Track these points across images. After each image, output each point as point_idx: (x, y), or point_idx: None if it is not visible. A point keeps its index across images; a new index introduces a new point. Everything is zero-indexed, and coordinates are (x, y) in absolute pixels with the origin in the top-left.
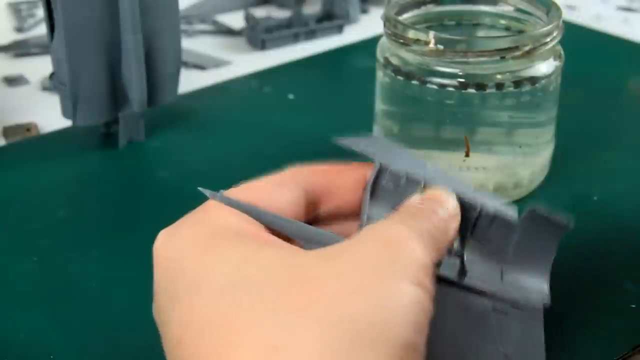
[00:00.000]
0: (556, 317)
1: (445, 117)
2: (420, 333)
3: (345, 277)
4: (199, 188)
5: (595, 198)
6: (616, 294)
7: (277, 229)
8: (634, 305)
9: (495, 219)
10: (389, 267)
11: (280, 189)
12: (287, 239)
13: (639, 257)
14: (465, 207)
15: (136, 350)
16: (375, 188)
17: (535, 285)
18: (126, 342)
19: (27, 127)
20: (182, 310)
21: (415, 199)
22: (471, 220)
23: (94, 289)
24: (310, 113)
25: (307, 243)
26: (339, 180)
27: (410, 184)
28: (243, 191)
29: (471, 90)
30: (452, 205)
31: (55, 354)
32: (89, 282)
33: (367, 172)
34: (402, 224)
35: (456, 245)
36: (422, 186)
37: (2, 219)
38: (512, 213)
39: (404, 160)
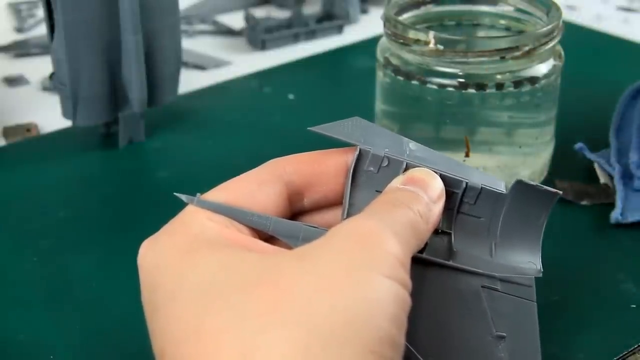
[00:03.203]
0: (556, 317)
1: (445, 117)
2: (397, 326)
3: (317, 276)
4: (175, 194)
5: None
6: (616, 294)
7: (257, 228)
8: (634, 305)
9: (482, 192)
10: (361, 262)
11: (259, 186)
12: (270, 237)
13: (638, 257)
14: (450, 184)
15: (136, 351)
16: (356, 173)
17: (526, 258)
18: (126, 343)
19: (27, 127)
20: (161, 319)
21: (396, 183)
22: (457, 196)
23: (94, 289)
24: (310, 113)
25: (289, 239)
26: (320, 169)
27: (392, 166)
28: (222, 192)
29: (471, 90)
30: (435, 186)
31: (55, 354)
32: (89, 283)
33: (349, 157)
34: (375, 218)
35: (444, 223)
36: (405, 167)
37: (2, 219)
38: (499, 186)
39: (384, 140)
